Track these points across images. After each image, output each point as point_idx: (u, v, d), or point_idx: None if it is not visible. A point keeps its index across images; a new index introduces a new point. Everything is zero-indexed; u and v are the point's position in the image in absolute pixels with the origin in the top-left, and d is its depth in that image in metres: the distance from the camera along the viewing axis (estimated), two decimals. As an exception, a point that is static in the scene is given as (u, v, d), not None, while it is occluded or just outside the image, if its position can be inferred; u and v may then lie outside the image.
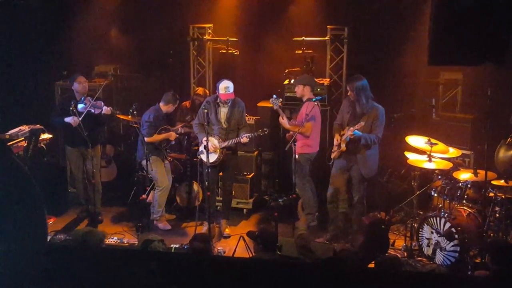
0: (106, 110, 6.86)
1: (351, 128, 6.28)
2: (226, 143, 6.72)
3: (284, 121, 6.89)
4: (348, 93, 6.51)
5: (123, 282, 2.34)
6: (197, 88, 8.16)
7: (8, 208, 2.07)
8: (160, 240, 4.94)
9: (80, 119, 6.65)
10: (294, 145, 6.51)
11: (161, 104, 7.02)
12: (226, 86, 6.59)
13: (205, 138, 6.60)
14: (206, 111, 6.54)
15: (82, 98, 6.87)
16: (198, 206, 7.23)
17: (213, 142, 6.69)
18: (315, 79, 7.75)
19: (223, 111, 6.76)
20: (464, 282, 2.61)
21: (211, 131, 6.71)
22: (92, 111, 6.83)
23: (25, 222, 2.11)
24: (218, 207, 7.30)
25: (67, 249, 2.88)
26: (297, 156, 6.70)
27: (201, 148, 6.77)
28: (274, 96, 6.91)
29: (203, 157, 6.73)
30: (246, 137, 6.63)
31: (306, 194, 7.06)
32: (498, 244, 5.20)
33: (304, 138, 6.84)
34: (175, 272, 2.34)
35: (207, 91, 8.08)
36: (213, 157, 6.70)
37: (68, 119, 6.75)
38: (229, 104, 6.73)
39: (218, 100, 6.73)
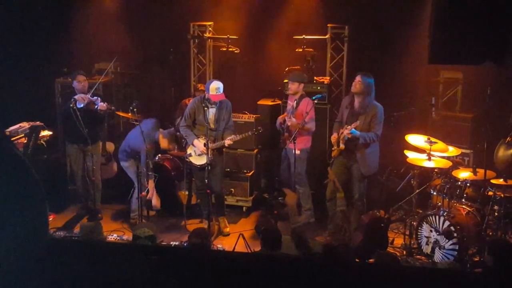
0: (101, 105, 6.83)
1: (348, 127, 6.30)
2: (216, 145, 6.68)
3: (293, 120, 6.87)
4: (355, 82, 6.42)
5: (123, 276, 2.35)
6: (199, 85, 8.13)
7: (9, 201, 2.08)
8: (149, 237, 4.74)
9: (79, 114, 6.65)
10: (294, 143, 6.52)
11: (161, 135, 6.92)
12: (217, 87, 6.49)
13: (195, 141, 6.63)
14: (206, 108, 6.52)
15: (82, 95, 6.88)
16: (196, 204, 7.25)
17: (203, 143, 6.63)
18: (314, 77, 7.80)
19: (211, 112, 6.68)
20: (463, 279, 2.62)
21: (199, 132, 6.67)
22: (94, 101, 6.82)
23: (27, 216, 2.11)
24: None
25: (68, 244, 2.90)
26: (298, 152, 6.73)
27: (190, 151, 6.76)
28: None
29: (192, 159, 6.74)
30: (229, 139, 6.59)
31: (307, 189, 7.08)
32: (497, 242, 5.21)
33: (306, 134, 6.87)
34: (174, 266, 2.35)
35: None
36: (204, 159, 6.65)
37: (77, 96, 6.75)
38: (217, 105, 6.68)
39: (206, 101, 6.63)
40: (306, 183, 7.10)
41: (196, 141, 6.67)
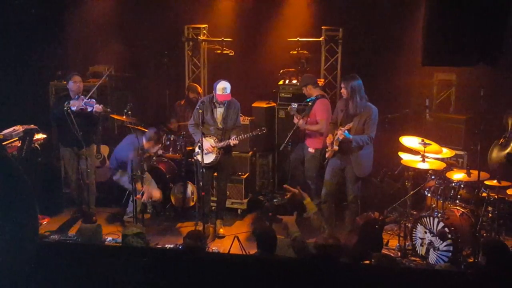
0: (97, 107, 6.82)
1: (342, 128, 6.32)
2: (222, 144, 6.72)
3: (300, 122, 6.92)
4: (341, 90, 6.52)
5: (117, 279, 2.34)
6: (194, 85, 8.10)
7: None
8: (136, 234, 4.70)
9: (73, 116, 6.63)
10: (289, 143, 6.60)
11: (144, 139, 6.95)
12: (223, 87, 6.55)
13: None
14: (201, 111, 6.55)
15: (76, 97, 6.86)
16: (192, 207, 7.23)
17: (210, 142, 6.69)
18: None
19: (219, 112, 6.75)
20: (458, 279, 2.63)
21: (208, 131, 6.70)
22: (89, 108, 6.82)
23: (16, 219, 2.10)
24: (213, 207, 7.31)
25: (62, 247, 2.89)
26: (313, 151, 7.06)
27: (197, 149, 6.77)
28: (294, 105, 7.08)
29: (200, 158, 6.74)
30: (235, 139, 6.63)
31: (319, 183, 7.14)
32: (491, 243, 5.23)
33: (318, 135, 7.05)
34: (167, 269, 2.35)
35: (199, 88, 8.09)
36: (210, 158, 6.69)
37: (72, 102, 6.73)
38: (225, 105, 6.72)
39: (214, 100, 6.71)
40: (316, 181, 7.18)
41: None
